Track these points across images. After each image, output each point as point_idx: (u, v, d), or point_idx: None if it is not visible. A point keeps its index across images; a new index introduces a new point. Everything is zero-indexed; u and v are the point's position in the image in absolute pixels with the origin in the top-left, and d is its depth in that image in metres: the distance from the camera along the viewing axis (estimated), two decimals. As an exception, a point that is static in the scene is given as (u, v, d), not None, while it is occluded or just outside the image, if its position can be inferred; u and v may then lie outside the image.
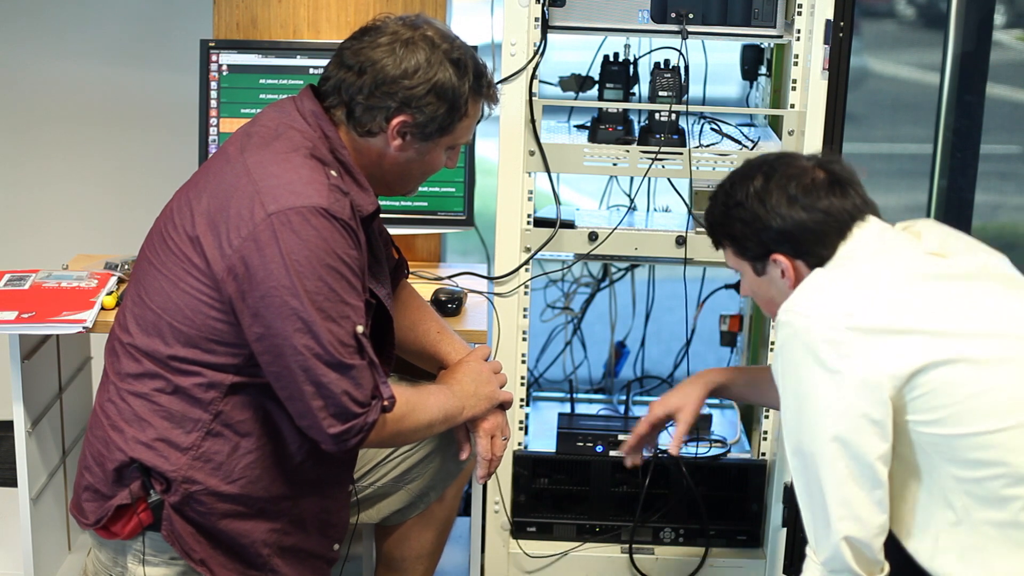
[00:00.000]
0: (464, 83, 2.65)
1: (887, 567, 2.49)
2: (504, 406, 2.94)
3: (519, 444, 3.68)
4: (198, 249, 2.54)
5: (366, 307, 2.62)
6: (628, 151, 3.49)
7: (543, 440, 3.76)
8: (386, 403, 2.60)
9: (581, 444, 3.69)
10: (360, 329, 2.54)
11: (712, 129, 3.64)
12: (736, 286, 4.00)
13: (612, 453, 3.67)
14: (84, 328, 3.12)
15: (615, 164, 3.51)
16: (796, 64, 3.49)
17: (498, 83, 3.42)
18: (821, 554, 2.50)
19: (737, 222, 2.63)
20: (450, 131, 2.68)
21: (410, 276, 3.11)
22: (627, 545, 3.69)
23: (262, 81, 3.64)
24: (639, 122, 3.60)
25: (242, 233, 2.49)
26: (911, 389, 2.38)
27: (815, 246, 2.57)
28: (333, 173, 2.59)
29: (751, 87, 3.91)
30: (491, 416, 2.90)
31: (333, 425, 2.53)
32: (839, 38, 3.39)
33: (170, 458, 2.60)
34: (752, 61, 3.84)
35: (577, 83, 3.77)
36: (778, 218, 2.57)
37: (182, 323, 2.57)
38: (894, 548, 2.51)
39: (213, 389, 2.59)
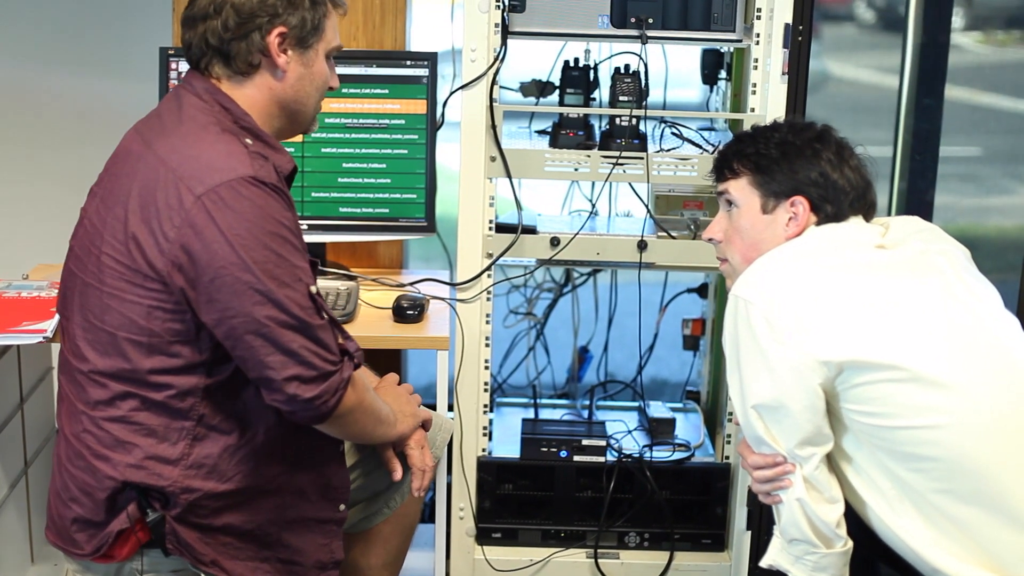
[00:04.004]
0: None
1: (850, 543, 2.53)
2: (424, 426, 2.97)
3: (483, 450, 3.68)
4: (135, 252, 2.50)
5: (312, 268, 2.60)
6: (589, 156, 3.49)
7: (507, 446, 3.76)
8: (356, 360, 2.61)
9: (545, 449, 3.69)
10: (314, 289, 2.54)
11: (673, 133, 3.65)
12: (698, 290, 4.01)
13: (576, 458, 3.68)
14: (45, 338, 3.10)
15: (576, 169, 3.51)
16: (756, 68, 3.50)
17: (459, 89, 3.43)
18: (779, 522, 2.59)
19: (779, 151, 2.68)
20: (322, 31, 2.66)
21: (371, 283, 3.11)
22: (592, 550, 3.69)
23: (222, 89, 3.63)
24: (600, 127, 3.61)
25: (175, 223, 2.46)
26: (842, 381, 2.46)
27: (841, 204, 2.65)
28: (248, 141, 2.56)
29: (711, 91, 3.92)
30: (416, 432, 2.93)
31: (310, 389, 2.51)
32: (798, 42, 3.41)
33: (163, 474, 2.57)
34: (712, 65, 3.85)
35: (538, 88, 3.77)
36: (828, 164, 2.65)
37: (139, 334, 2.54)
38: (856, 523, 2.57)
39: (189, 396, 2.56)
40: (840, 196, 2.64)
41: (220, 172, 2.47)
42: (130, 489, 2.58)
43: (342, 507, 2.82)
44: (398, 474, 2.93)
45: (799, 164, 2.65)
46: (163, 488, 2.57)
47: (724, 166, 2.75)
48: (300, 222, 3.56)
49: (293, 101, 2.67)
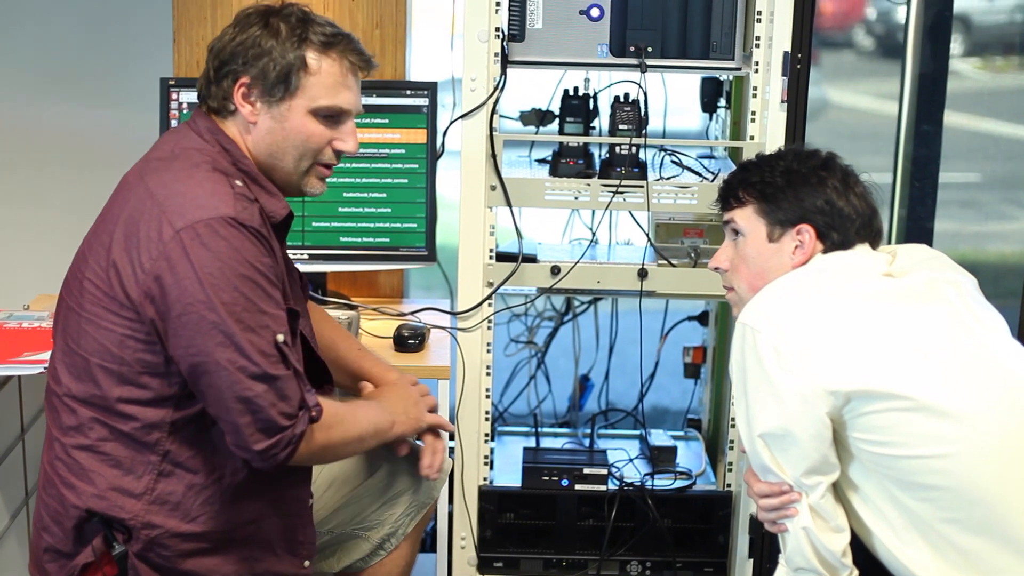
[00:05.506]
0: (293, 36, 2.63)
1: (855, 573, 2.52)
2: (437, 433, 2.96)
3: (484, 479, 3.67)
4: (114, 280, 2.50)
5: (290, 316, 2.58)
6: (589, 185, 3.49)
7: (508, 475, 3.75)
8: (313, 413, 2.56)
9: (547, 478, 3.68)
10: (281, 338, 2.50)
11: (672, 162, 3.65)
12: (699, 318, 4.01)
13: (578, 487, 3.67)
14: (45, 368, 3.08)
15: (576, 198, 3.51)
16: (755, 96, 3.50)
17: (459, 118, 3.43)
18: (785, 550, 2.58)
19: (785, 180, 2.68)
20: (298, 88, 2.63)
21: (372, 312, 3.11)
22: (594, 579, 3.69)
23: (222, 119, 3.64)
24: (600, 155, 3.61)
25: (152, 254, 2.46)
26: (850, 410, 2.44)
27: (847, 232, 2.65)
28: (238, 183, 2.57)
29: (711, 119, 3.93)
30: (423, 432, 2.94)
31: (260, 441, 2.48)
32: (797, 70, 3.41)
33: (125, 506, 2.56)
34: (711, 93, 3.86)
35: (537, 117, 3.77)
36: (834, 192, 2.65)
37: (111, 362, 2.53)
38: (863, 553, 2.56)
39: (156, 430, 2.55)
40: (846, 224, 2.64)
41: (202, 209, 2.47)
42: (95, 519, 2.58)
43: (307, 563, 2.80)
44: (405, 449, 2.94)
45: (804, 192, 2.65)
46: (124, 521, 2.56)
47: (729, 195, 2.75)
48: (301, 251, 3.60)
49: (267, 155, 2.67)
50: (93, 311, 2.55)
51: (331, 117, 2.68)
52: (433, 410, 2.97)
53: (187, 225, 2.45)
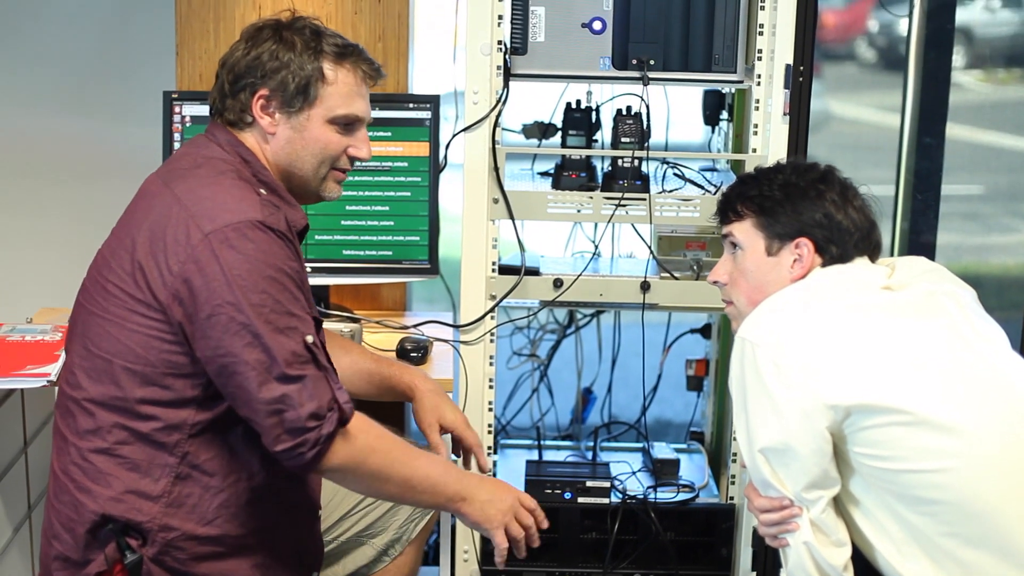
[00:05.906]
0: (309, 48, 2.67)
1: None
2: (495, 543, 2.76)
3: (487, 492, 3.66)
4: (141, 282, 2.52)
5: (316, 324, 2.59)
6: (592, 198, 3.49)
7: (511, 487, 3.74)
8: (345, 410, 2.53)
9: (550, 491, 3.67)
10: (310, 339, 2.52)
11: (675, 174, 3.65)
12: (702, 331, 4.01)
13: (581, 500, 3.67)
14: (48, 381, 3.10)
15: (579, 211, 3.51)
16: (757, 109, 3.50)
17: (461, 131, 3.43)
18: (786, 565, 2.58)
19: (783, 193, 2.68)
20: (316, 98, 2.68)
21: (375, 325, 3.11)
22: (597, 592, 3.68)
23: (225, 132, 3.64)
24: (602, 168, 3.61)
25: (180, 257, 2.49)
26: (850, 424, 2.44)
27: (846, 245, 2.65)
28: (263, 191, 2.60)
29: (713, 132, 3.93)
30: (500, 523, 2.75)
31: (285, 441, 2.47)
32: (799, 82, 3.41)
33: (142, 509, 2.57)
34: (714, 106, 3.86)
35: (540, 130, 3.78)
36: (832, 205, 2.65)
37: (135, 363, 2.54)
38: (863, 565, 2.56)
39: (176, 431, 2.56)
40: (845, 237, 2.64)
41: (230, 213, 2.50)
42: (109, 525, 2.57)
43: (314, 574, 2.81)
44: (442, 451, 2.96)
45: (803, 205, 2.65)
46: (141, 524, 2.57)
47: (728, 208, 2.75)
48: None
49: (287, 164, 2.71)
50: (119, 314, 2.56)
51: (347, 125, 2.73)
52: (514, 535, 2.76)
53: (216, 229, 2.49)
